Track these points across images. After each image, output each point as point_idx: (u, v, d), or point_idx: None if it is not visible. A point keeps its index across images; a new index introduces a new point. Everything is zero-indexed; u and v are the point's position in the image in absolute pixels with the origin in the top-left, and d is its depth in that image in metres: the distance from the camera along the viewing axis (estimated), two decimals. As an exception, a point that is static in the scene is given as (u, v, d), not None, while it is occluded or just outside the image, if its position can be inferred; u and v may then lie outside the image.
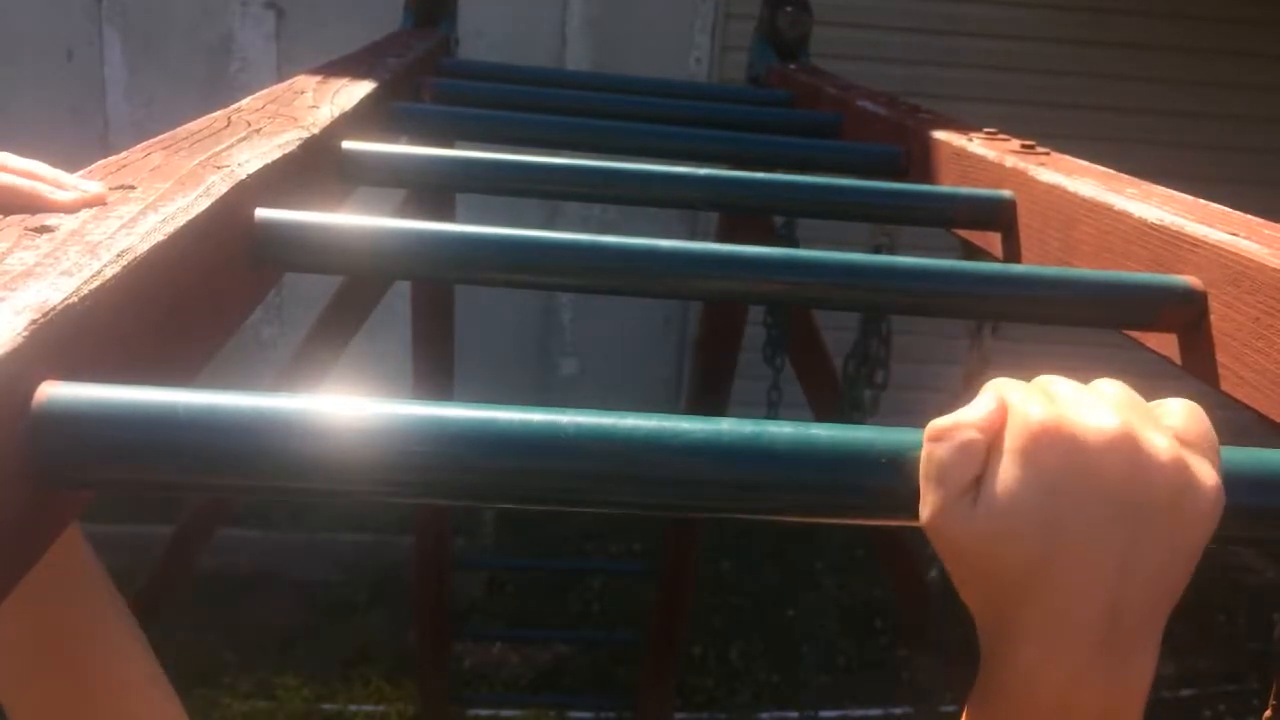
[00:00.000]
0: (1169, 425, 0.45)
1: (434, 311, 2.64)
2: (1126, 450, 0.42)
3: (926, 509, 0.45)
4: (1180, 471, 0.43)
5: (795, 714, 3.50)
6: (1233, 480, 0.48)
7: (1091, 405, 0.44)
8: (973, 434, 0.44)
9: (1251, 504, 0.49)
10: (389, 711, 3.68)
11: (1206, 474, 0.44)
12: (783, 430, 0.49)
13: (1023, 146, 1.16)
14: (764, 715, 3.74)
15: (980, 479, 0.44)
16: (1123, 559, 0.42)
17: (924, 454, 0.46)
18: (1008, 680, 0.44)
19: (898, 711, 3.80)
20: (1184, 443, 0.44)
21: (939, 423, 0.45)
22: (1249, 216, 0.83)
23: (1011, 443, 0.43)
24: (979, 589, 0.45)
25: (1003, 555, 0.43)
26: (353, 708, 3.67)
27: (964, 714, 0.46)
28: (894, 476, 0.48)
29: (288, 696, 3.68)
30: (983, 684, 0.45)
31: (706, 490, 0.49)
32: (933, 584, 1.98)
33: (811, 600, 3.27)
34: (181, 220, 0.62)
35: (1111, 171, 1.03)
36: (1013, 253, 1.06)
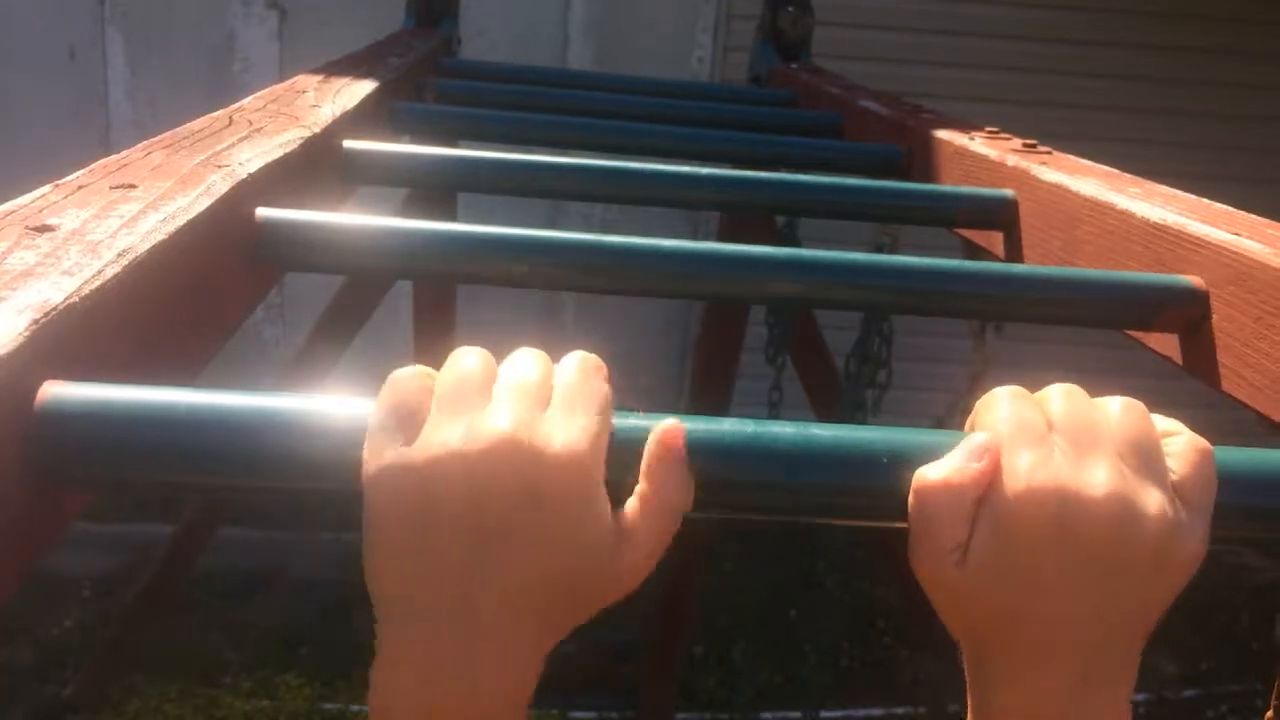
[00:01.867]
0: (1171, 469, 0.45)
1: (436, 311, 2.64)
2: (1115, 512, 0.42)
3: (914, 557, 0.46)
4: (1167, 531, 0.43)
5: (797, 714, 3.50)
6: (1234, 480, 0.48)
7: (1088, 453, 0.44)
8: (960, 497, 0.44)
9: (1252, 504, 0.49)
10: (391, 711, 3.68)
11: (1192, 531, 0.44)
12: (784, 430, 0.49)
13: (1025, 146, 1.16)
14: (766, 715, 3.74)
15: (968, 539, 0.44)
16: (1100, 612, 0.43)
17: (912, 505, 0.46)
18: (991, 715, 0.46)
19: (900, 711, 3.79)
20: (1179, 490, 0.44)
21: (928, 476, 0.45)
22: (1252, 216, 0.83)
23: (999, 502, 0.43)
24: (961, 628, 0.47)
25: (984, 609, 0.44)
26: (354, 707, 3.67)
27: None
28: (897, 479, 0.48)
29: (290, 695, 3.68)
30: (973, 709, 0.47)
31: (709, 489, 0.49)
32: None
33: (814, 600, 3.27)
34: (182, 219, 0.62)
35: (1114, 171, 1.03)
36: (1014, 252, 1.06)
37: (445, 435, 0.42)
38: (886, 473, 0.48)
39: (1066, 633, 0.43)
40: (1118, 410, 0.46)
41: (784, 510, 0.50)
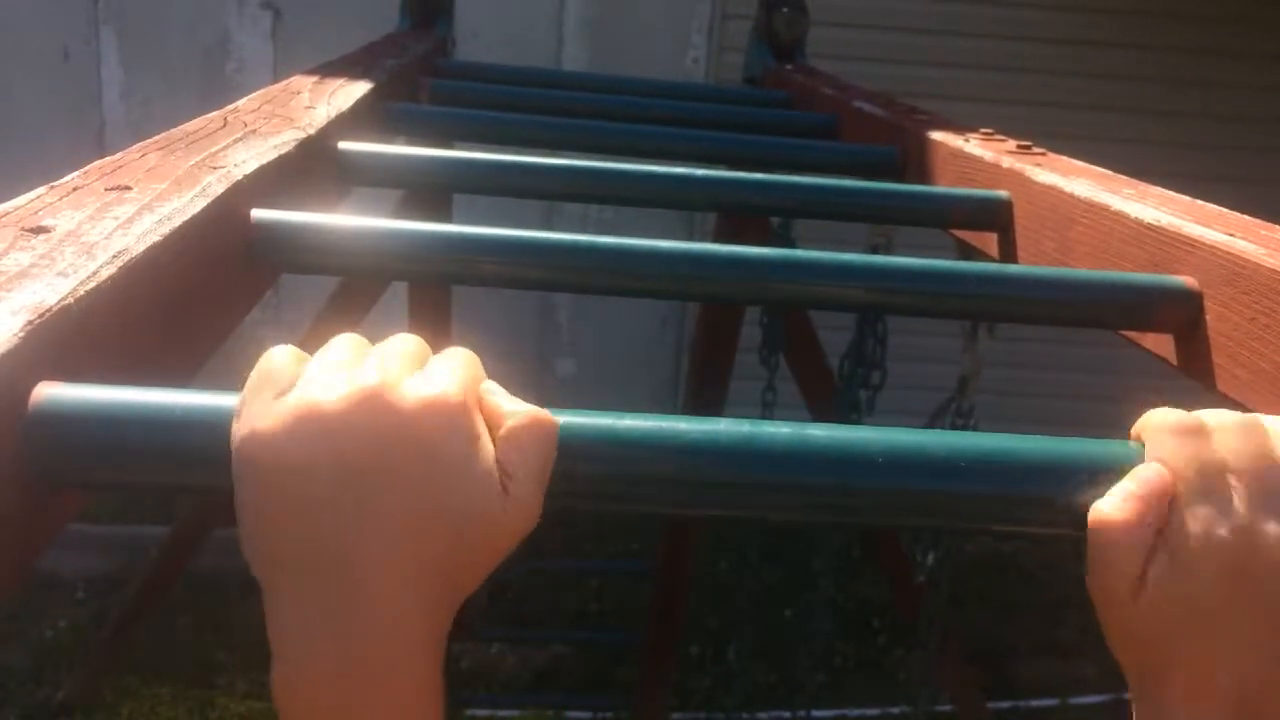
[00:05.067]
0: None
1: (431, 312, 2.64)
2: None
3: (1091, 585, 0.47)
4: None
5: (790, 714, 3.50)
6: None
7: (1270, 499, 0.44)
8: (1140, 538, 0.45)
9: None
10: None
11: None
12: (780, 431, 0.49)
13: (1019, 147, 1.16)
14: (761, 715, 3.74)
15: (1144, 574, 0.45)
16: (1267, 661, 0.44)
17: (1091, 539, 0.46)
18: None
19: (894, 711, 3.79)
20: None
21: (1106, 514, 0.46)
22: (1245, 217, 0.83)
23: (1180, 545, 0.44)
24: (1130, 654, 0.48)
25: (1155, 643, 0.46)
26: (349, 708, 3.67)
27: None
28: (892, 481, 0.48)
29: (284, 697, 3.67)
30: None
31: (704, 490, 0.49)
32: (924, 586, 1.98)
33: (808, 600, 3.27)
34: (178, 221, 0.62)
35: (1108, 172, 1.03)
36: (1009, 253, 1.06)
37: (308, 392, 0.42)
38: (882, 473, 0.48)
39: (1231, 676, 0.45)
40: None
41: (780, 512, 0.50)
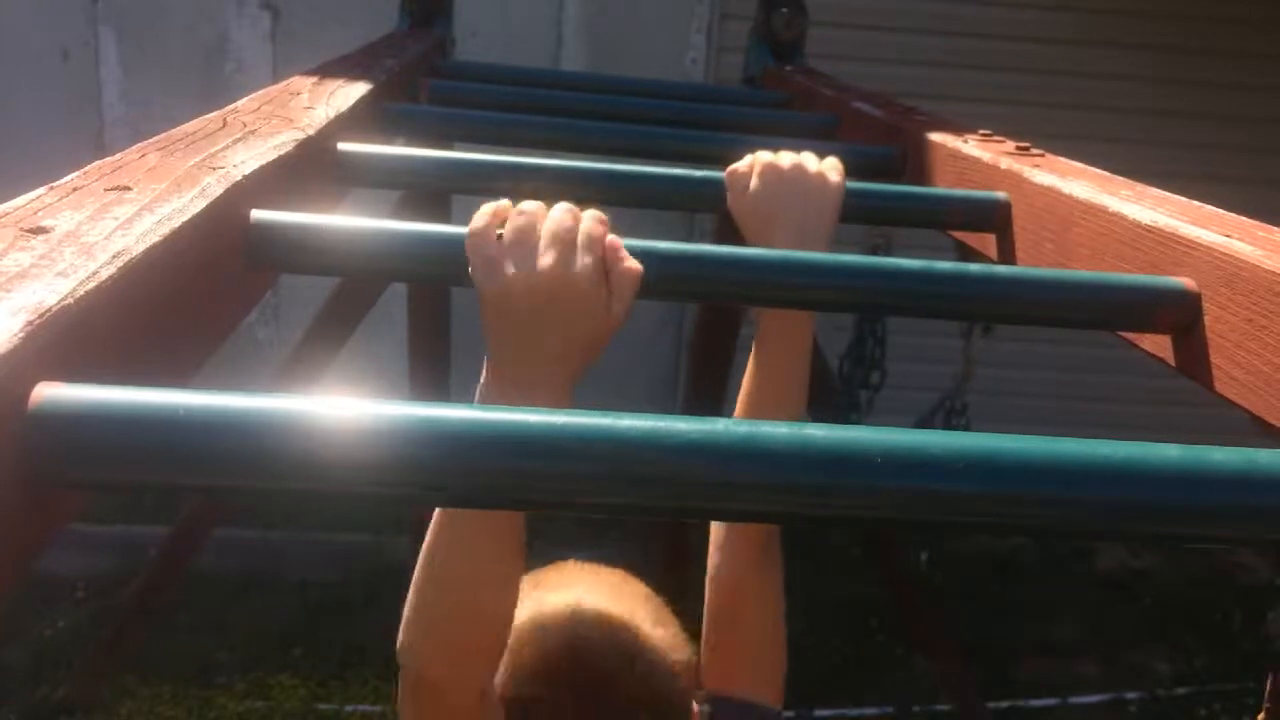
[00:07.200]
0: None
1: (430, 312, 2.64)
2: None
3: (729, 201, 1.04)
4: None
5: (790, 713, 3.51)
6: (1228, 480, 0.48)
7: (789, 158, 1.04)
8: (746, 171, 1.04)
9: (1246, 503, 0.49)
10: (385, 711, 3.68)
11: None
12: (779, 430, 0.49)
13: (1018, 148, 1.17)
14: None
15: (748, 187, 1.03)
16: (803, 209, 1.02)
17: (750, 170, 1.04)
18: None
19: (893, 710, 3.80)
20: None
21: (736, 165, 1.05)
22: (1243, 218, 0.83)
23: (759, 173, 1.03)
24: (747, 224, 1.04)
25: (759, 212, 1.03)
26: (349, 708, 3.66)
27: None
28: (891, 480, 0.48)
29: (284, 696, 3.67)
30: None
31: (703, 491, 0.49)
32: (926, 583, 1.99)
33: (807, 599, 3.28)
34: (177, 221, 0.62)
35: (1106, 173, 1.04)
36: (1007, 254, 1.07)
37: (514, 266, 0.73)
38: (882, 473, 0.48)
39: (794, 223, 1.00)
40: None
41: (780, 512, 0.50)
